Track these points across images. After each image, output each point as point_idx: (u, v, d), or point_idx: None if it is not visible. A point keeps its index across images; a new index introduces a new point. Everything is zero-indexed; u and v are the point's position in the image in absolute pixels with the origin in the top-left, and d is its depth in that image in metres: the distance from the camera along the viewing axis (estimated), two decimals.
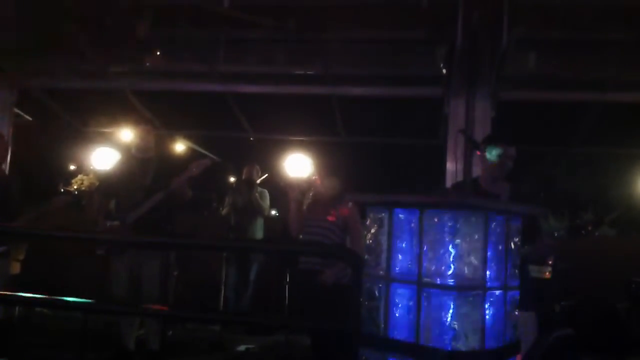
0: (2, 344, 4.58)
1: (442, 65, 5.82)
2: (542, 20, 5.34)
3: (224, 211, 6.92)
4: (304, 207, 4.41)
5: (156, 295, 4.48)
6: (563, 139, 7.43)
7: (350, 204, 4.28)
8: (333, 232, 4.26)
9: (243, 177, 6.83)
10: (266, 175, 7.04)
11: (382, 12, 5.48)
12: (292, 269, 5.26)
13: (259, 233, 6.73)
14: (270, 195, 6.89)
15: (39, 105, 7.25)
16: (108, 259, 4.64)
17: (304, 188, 4.43)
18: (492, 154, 3.67)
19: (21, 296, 4.00)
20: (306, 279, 4.25)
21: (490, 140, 3.80)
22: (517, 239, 2.69)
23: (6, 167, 6.03)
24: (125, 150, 5.39)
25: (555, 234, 3.50)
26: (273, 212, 7.66)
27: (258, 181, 6.83)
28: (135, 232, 4.44)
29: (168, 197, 4.50)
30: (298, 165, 4.95)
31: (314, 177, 4.45)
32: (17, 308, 5.88)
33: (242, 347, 5.59)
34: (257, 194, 6.65)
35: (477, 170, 4.03)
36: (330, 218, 4.28)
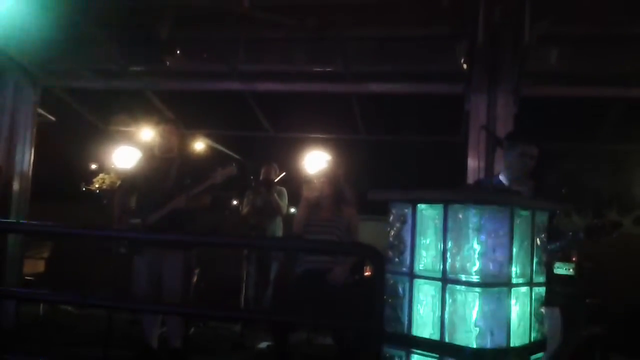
0: None
1: (462, 61, 5.76)
2: (565, 15, 5.25)
3: (245, 211, 6.94)
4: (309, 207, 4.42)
5: (177, 293, 4.51)
6: (587, 135, 7.32)
7: (351, 204, 4.29)
8: (338, 231, 4.26)
9: (261, 177, 6.83)
10: (284, 173, 7.04)
11: (402, 8, 5.44)
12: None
13: (278, 232, 6.74)
14: (288, 193, 6.90)
15: (62, 105, 7.32)
16: (129, 257, 4.67)
17: (315, 189, 4.43)
18: (512, 155, 3.65)
19: (46, 294, 4.07)
20: (318, 278, 4.23)
21: (511, 139, 3.75)
22: (543, 235, 2.65)
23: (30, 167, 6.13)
24: (147, 149, 5.42)
25: (571, 234, 3.42)
26: (292, 210, 7.66)
27: (276, 180, 6.83)
28: (157, 231, 4.46)
29: (187, 202, 4.52)
30: (317, 162, 4.94)
31: (319, 179, 4.43)
32: (41, 305, 5.97)
33: (262, 345, 5.59)
34: (275, 194, 6.66)
35: (499, 167, 3.99)
36: (333, 217, 4.28)
